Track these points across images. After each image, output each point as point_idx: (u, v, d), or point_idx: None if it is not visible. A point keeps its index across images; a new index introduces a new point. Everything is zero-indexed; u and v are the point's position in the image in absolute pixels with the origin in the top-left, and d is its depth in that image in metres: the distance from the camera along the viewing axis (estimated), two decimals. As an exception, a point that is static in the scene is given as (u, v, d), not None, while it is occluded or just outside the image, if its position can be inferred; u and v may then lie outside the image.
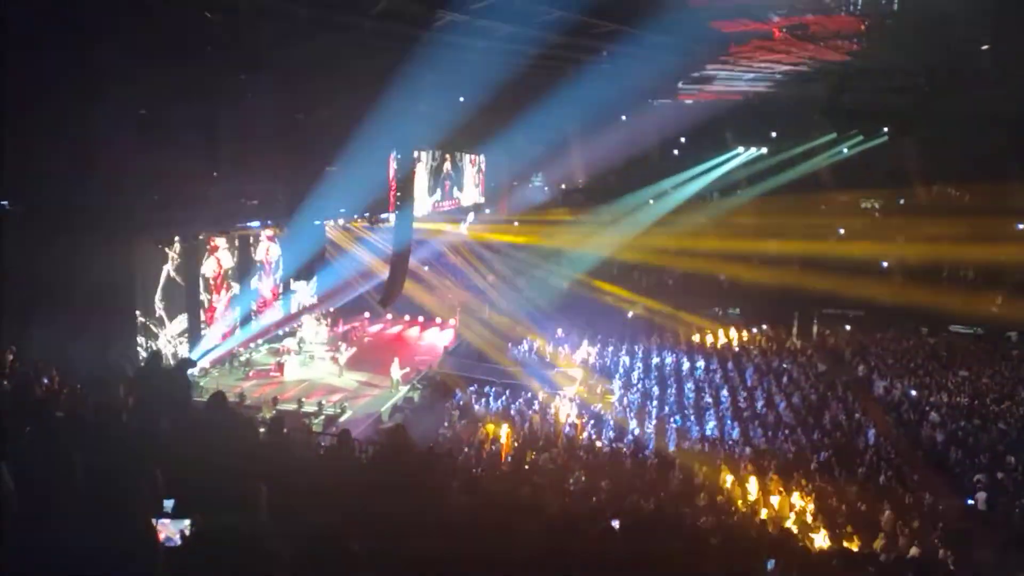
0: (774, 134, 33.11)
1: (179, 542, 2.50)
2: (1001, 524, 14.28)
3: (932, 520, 13.79)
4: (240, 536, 2.40)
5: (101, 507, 2.59)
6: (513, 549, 6.00)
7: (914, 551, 11.81)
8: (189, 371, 17.00)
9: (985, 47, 18.90)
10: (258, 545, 2.24)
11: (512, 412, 19.60)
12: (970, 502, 15.42)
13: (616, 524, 7.81)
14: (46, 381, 10.50)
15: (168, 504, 3.03)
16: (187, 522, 2.56)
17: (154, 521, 2.52)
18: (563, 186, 35.98)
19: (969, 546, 13.01)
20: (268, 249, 23.91)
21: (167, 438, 5.62)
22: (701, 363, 24.99)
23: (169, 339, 18.94)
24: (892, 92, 24.84)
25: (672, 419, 19.46)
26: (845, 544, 12.20)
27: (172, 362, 15.45)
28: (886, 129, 30.70)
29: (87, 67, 12.89)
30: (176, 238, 18.60)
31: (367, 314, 29.51)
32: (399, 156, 22.05)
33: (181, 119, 15.65)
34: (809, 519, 13.40)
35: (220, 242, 21.22)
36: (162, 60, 13.91)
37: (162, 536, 2.47)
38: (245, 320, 22.70)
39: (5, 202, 13.95)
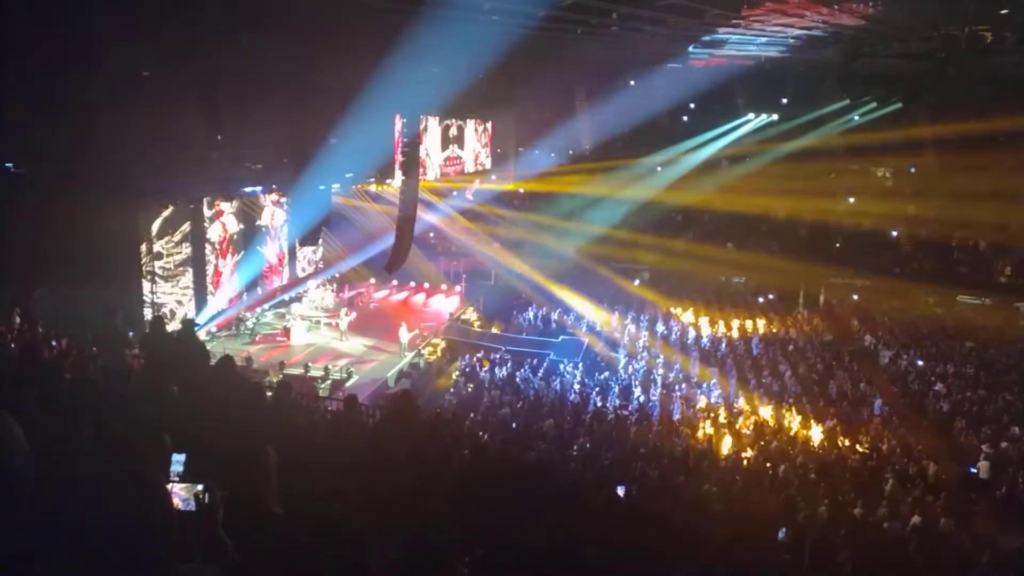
0: (785, 100, 32.56)
1: (193, 507, 2.48)
2: (1004, 494, 14.32)
3: (935, 490, 13.85)
4: (254, 501, 2.38)
5: (112, 472, 2.55)
6: (518, 514, 6.03)
7: (916, 520, 11.87)
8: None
9: (1004, 11, 18.41)
10: (271, 510, 2.21)
11: (517, 379, 19.68)
12: (973, 471, 15.47)
13: (621, 491, 7.83)
14: (54, 344, 10.54)
15: (178, 459, 3.01)
16: (200, 487, 2.53)
17: (168, 486, 2.49)
18: (570, 152, 35.59)
19: (971, 515, 13.09)
20: (273, 214, 23.82)
21: (176, 401, 5.61)
22: (707, 331, 24.98)
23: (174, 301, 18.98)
24: (907, 58, 24.27)
25: (678, 388, 19.50)
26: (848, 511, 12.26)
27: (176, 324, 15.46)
28: (900, 95, 30.11)
29: (89, 29, 12.69)
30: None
31: (373, 280, 29.51)
32: (405, 120, 21.81)
33: (183, 82, 15.46)
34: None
35: (225, 207, 21.14)
36: (164, 22, 13.67)
37: (176, 501, 2.45)
38: (251, 285, 22.73)
39: (10, 164, 13.87)
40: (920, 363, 22.21)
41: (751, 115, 33.23)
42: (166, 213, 18.36)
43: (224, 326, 21.73)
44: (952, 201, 29.19)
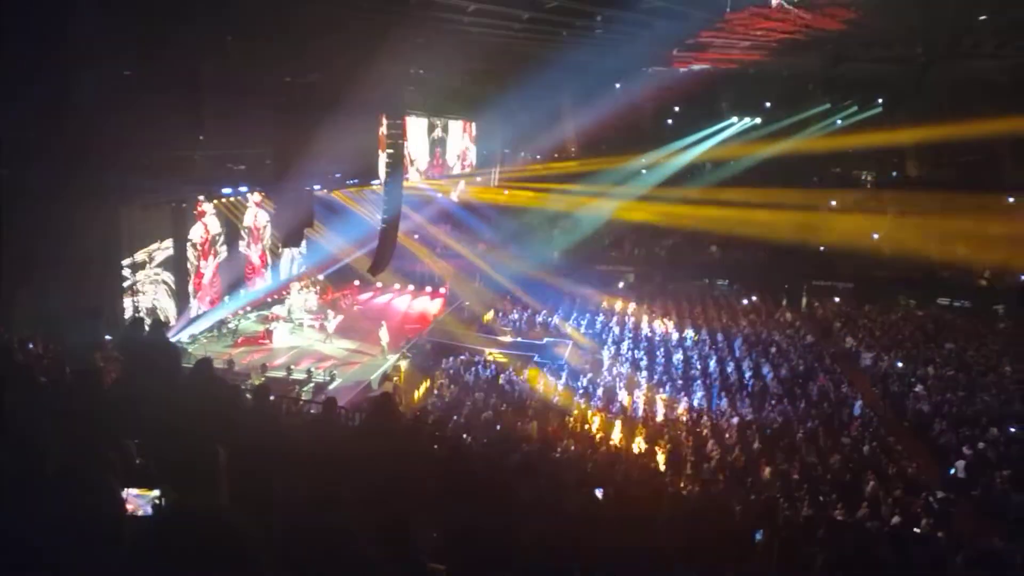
0: (768, 104, 32.84)
1: (150, 513, 2.45)
2: (981, 494, 14.51)
3: (915, 490, 14.00)
4: (201, 507, 2.34)
5: (69, 475, 2.52)
6: (499, 516, 6.02)
7: (896, 520, 11.99)
8: (175, 337, 16.92)
9: (983, 17, 18.67)
10: (220, 515, 2.18)
11: (501, 381, 19.68)
12: (952, 472, 15.65)
13: (599, 493, 7.85)
14: (31, 346, 10.42)
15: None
16: (156, 492, 2.50)
17: (124, 492, 2.46)
18: (556, 155, 35.68)
19: (949, 516, 13.24)
20: (256, 215, 23.67)
21: (148, 405, 5.55)
22: (690, 333, 25.09)
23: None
24: (889, 62, 24.56)
25: (661, 389, 19.57)
26: (829, 512, 12.37)
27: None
28: (881, 100, 30.49)
29: (70, 29, 12.56)
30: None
31: (357, 282, 29.40)
32: (389, 121, 21.74)
33: (166, 82, 15.33)
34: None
35: (207, 207, 20.97)
36: (147, 22, 13.55)
37: (131, 507, 2.41)
38: (233, 286, 22.57)
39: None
40: (900, 365, 22.43)
41: (735, 118, 33.47)
42: (147, 213, 18.21)
43: (206, 329, 21.56)
44: (933, 205, 29.61)
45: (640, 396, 18.95)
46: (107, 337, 10.52)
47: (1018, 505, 13.43)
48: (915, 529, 11.55)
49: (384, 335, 21.82)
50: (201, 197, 20.13)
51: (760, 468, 14.54)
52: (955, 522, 12.70)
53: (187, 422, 4.35)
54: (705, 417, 17.78)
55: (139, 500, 2.45)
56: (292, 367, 19.45)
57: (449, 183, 31.82)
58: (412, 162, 25.64)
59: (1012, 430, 16.88)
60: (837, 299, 30.65)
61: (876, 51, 23.07)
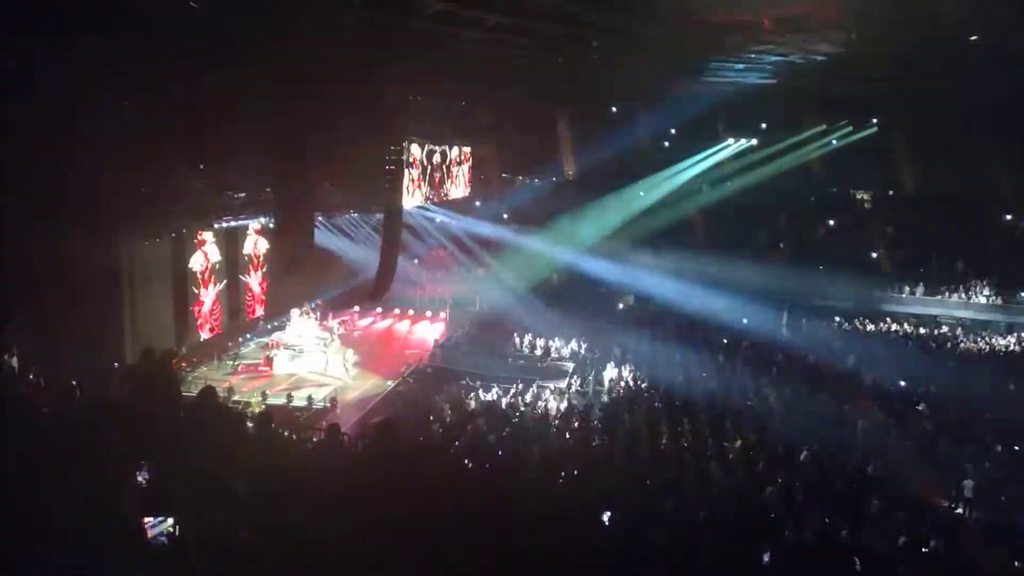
0: (764, 125, 33.09)
1: (166, 541, 2.45)
2: (988, 512, 14.40)
3: (921, 509, 13.89)
4: (218, 534, 2.35)
5: (89, 506, 2.53)
6: (501, 543, 5.97)
7: (903, 540, 11.86)
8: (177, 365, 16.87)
9: (974, 37, 18.90)
10: (236, 542, 2.18)
11: (503, 405, 19.60)
12: (959, 491, 15.52)
13: (606, 517, 7.79)
14: (31, 377, 10.41)
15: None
16: (171, 521, 2.50)
17: (143, 520, 2.46)
18: (553, 179, 35.90)
19: (955, 535, 13.12)
20: (256, 243, 23.75)
21: (156, 435, 5.54)
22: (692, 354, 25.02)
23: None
24: (882, 82, 24.81)
25: (664, 411, 19.47)
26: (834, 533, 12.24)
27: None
28: (875, 120, 30.76)
29: (69, 59, 12.70)
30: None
31: (357, 308, 29.40)
32: (389, 148, 21.93)
33: (165, 111, 15.46)
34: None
35: (207, 236, 21.05)
36: (145, 51, 13.70)
37: (149, 535, 2.41)
38: (234, 315, 22.58)
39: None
40: (903, 383, 22.36)
41: (731, 140, 33.72)
42: (147, 243, 18.28)
43: (206, 356, 21.53)
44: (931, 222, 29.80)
45: (641, 415, 18.86)
46: (115, 365, 10.53)
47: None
48: (923, 549, 11.43)
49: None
50: (202, 227, 20.18)
51: (763, 488, 14.40)
52: (963, 542, 12.59)
53: (194, 453, 4.35)
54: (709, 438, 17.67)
55: (154, 531, 2.45)
56: (292, 394, 19.40)
57: (448, 207, 31.96)
58: (412, 182, 25.82)
59: (1017, 448, 16.80)
60: (838, 318, 30.61)
61: (869, 71, 23.31)
